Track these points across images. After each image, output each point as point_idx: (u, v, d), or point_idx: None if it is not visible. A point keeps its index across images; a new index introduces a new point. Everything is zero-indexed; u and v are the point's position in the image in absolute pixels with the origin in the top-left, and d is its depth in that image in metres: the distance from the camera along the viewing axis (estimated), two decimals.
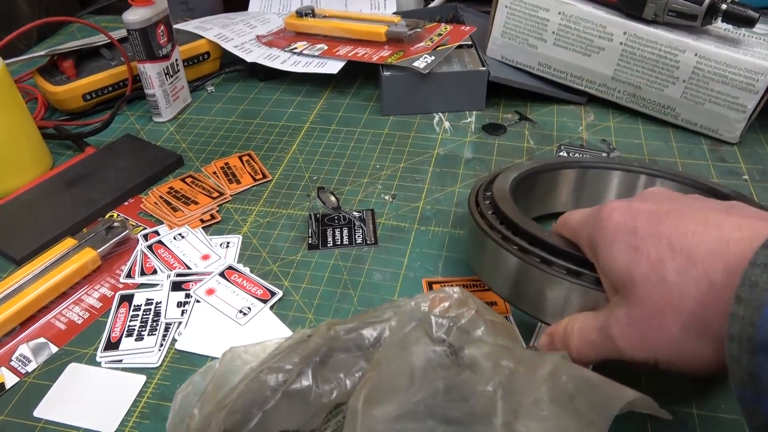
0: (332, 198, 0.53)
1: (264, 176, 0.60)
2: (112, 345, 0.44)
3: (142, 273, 0.49)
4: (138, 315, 0.46)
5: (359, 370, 0.32)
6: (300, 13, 0.78)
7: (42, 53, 0.71)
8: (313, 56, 0.73)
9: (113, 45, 0.71)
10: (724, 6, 0.57)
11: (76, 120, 0.71)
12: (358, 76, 0.77)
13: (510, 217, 0.40)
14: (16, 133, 0.58)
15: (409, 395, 0.28)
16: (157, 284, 0.48)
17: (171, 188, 0.58)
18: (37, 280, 0.47)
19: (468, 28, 0.74)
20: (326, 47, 0.74)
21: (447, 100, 0.69)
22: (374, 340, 0.33)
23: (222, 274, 0.49)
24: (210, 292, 0.47)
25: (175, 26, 0.76)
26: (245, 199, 0.58)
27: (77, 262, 0.48)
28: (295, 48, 0.75)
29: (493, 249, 0.40)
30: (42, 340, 0.45)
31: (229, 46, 0.76)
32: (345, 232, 0.52)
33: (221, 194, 0.58)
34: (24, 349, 0.44)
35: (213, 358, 0.42)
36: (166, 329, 0.45)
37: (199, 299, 0.47)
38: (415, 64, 0.66)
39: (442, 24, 0.76)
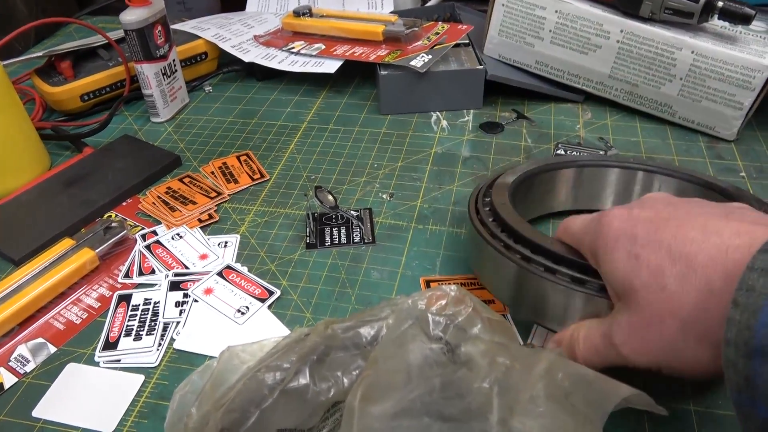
0: (330, 197, 0.53)
1: (262, 176, 0.60)
2: (111, 345, 0.44)
3: (141, 273, 0.50)
4: (136, 315, 0.46)
5: (357, 369, 0.32)
6: (297, 13, 0.78)
7: (39, 54, 0.71)
8: (311, 56, 0.73)
9: (111, 45, 0.71)
10: (720, 3, 0.58)
11: (73, 121, 0.71)
12: (356, 75, 0.77)
13: (511, 225, 0.40)
14: (14, 134, 0.58)
15: (406, 392, 0.28)
16: (155, 284, 0.48)
17: (169, 188, 0.59)
18: (35, 280, 0.47)
19: (465, 26, 0.74)
20: (324, 47, 0.74)
21: (444, 98, 0.69)
22: (372, 338, 0.33)
23: (220, 274, 0.49)
24: (208, 291, 0.47)
25: (173, 26, 0.76)
26: (243, 198, 0.58)
27: (75, 263, 0.48)
28: (293, 48, 0.75)
29: (495, 257, 0.40)
30: (40, 340, 0.45)
31: (226, 46, 0.76)
32: (343, 231, 0.53)
33: (219, 194, 0.58)
34: (22, 350, 0.44)
35: (211, 358, 0.42)
36: (165, 329, 0.45)
37: (197, 299, 0.47)
38: (413, 63, 0.66)
39: (439, 23, 0.76)
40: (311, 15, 0.78)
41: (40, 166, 0.62)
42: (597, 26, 0.62)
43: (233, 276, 0.48)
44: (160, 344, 0.43)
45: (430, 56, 0.67)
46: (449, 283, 0.34)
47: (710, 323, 0.27)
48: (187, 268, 0.50)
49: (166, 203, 0.56)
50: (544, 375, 0.28)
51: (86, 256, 0.49)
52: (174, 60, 0.69)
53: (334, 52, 0.72)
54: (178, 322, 0.45)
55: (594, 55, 0.64)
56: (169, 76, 0.69)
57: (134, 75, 0.69)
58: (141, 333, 0.44)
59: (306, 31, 0.78)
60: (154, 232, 0.54)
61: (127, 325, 0.45)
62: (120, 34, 0.70)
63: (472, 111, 0.69)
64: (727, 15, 0.58)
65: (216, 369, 0.34)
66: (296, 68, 0.71)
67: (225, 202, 0.57)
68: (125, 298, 0.47)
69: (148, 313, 0.46)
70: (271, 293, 0.47)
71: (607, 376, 0.29)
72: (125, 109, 0.74)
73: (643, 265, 0.29)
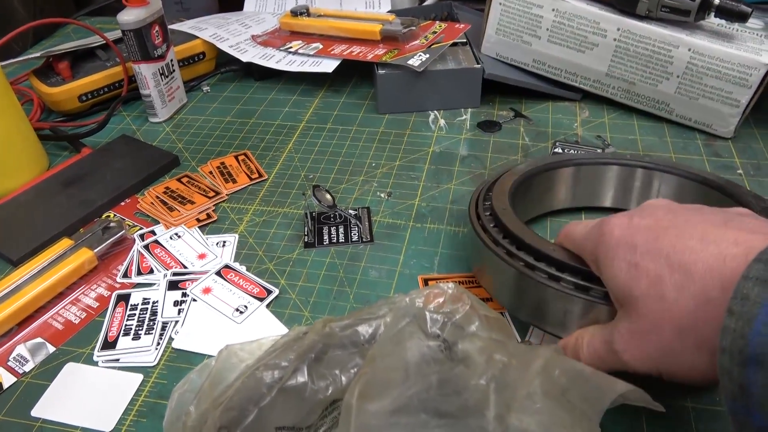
0: (328, 196, 0.53)
1: (260, 175, 0.60)
2: (109, 344, 0.44)
3: (139, 272, 0.50)
4: (135, 314, 0.46)
5: (355, 367, 0.32)
6: (295, 13, 0.78)
7: (37, 55, 0.71)
8: (309, 55, 0.73)
9: (108, 46, 0.71)
10: (716, 1, 0.58)
11: (72, 121, 0.71)
12: (354, 74, 0.77)
13: (514, 232, 0.40)
14: (12, 134, 0.58)
15: (403, 390, 0.28)
16: (154, 283, 0.49)
17: (167, 188, 0.59)
18: (34, 280, 0.47)
19: (462, 25, 0.74)
20: (321, 46, 0.74)
21: (442, 97, 0.69)
22: (369, 336, 0.33)
23: (218, 273, 0.49)
24: (206, 290, 0.47)
25: (170, 27, 0.76)
26: (241, 198, 0.58)
27: (74, 263, 0.48)
28: (290, 47, 0.75)
29: (497, 264, 0.40)
30: (39, 340, 0.45)
31: (224, 46, 0.76)
32: (341, 230, 0.53)
33: (217, 194, 0.58)
34: (21, 349, 0.44)
35: (210, 357, 0.42)
36: (163, 328, 0.45)
37: (196, 298, 0.47)
38: (410, 62, 0.66)
39: (437, 22, 0.76)
40: (309, 15, 0.78)
41: (39, 166, 0.62)
42: (594, 24, 0.63)
43: (231, 275, 0.49)
44: (158, 343, 0.44)
45: (427, 55, 0.67)
46: (447, 282, 0.34)
47: (707, 331, 0.27)
48: (185, 267, 0.50)
49: (165, 203, 0.57)
50: (541, 371, 0.28)
51: (85, 255, 0.49)
52: (172, 60, 0.69)
53: (332, 52, 0.72)
54: (176, 322, 0.45)
55: (591, 53, 0.64)
56: (167, 76, 0.69)
57: (132, 75, 0.69)
58: (140, 332, 0.44)
59: (304, 31, 0.78)
60: (153, 232, 0.54)
61: (126, 325, 0.45)
62: (118, 34, 0.70)
63: (469, 110, 0.69)
64: (723, 13, 0.58)
65: (214, 368, 0.34)
66: (294, 68, 0.71)
67: (223, 201, 0.57)
68: (124, 298, 0.47)
69: (146, 313, 0.46)
70: (269, 292, 0.47)
71: (603, 373, 0.29)
72: (123, 109, 0.74)
73: (642, 273, 0.30)
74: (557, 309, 0.37)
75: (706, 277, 0.27)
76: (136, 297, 0.47)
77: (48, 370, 0.43)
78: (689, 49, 0.59)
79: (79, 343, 0.44)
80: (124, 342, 0.44)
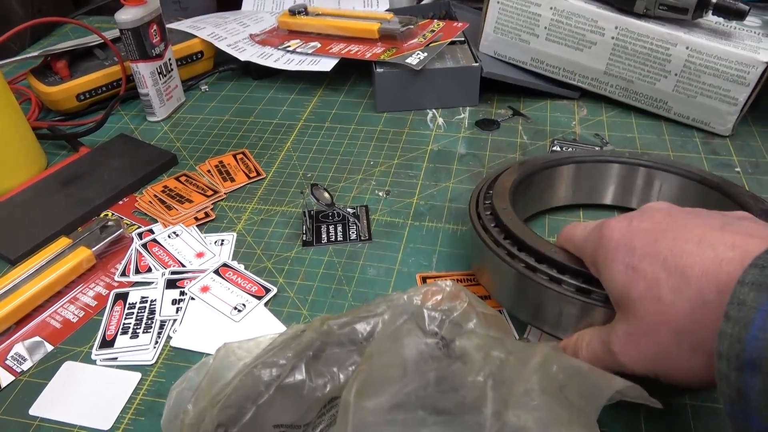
0: (326, 195, 0.53)
1: (258, 174, 0.60)
2: (108, 343, 0.44)
3: (137, 271, 0.50)
4: (133, 313, 0.46)
5: (353, 364, 0.32)
6: (293, 12, 0.78)
7: (35, 54, 0.71)
8: (307, 54, 0.73)
9: (106, 45, 0.71)
10: None
11: (70, 120, 0.71)
12: (352, 73, 0.77)
13: (515, 233, 0.40)
14: (10, 134, 0.58)
15: (401, 386, 0.28)
16: (152, 282, 0.49)
17: (165, 187, 0.59)
18: (32, 279, 0.47)
19: (460, 24, 0.74)
20: (319, 45, 0.74)
21: (440, 96, 0.69)
22: (367, 334, 0.33)
23: (216, 272, 0.49)
24: (205, 289, 0.47)
25: (168, 25, 0.76)
26: (239, 196, 0.58)
27: (72, 261, 0.48)
28: (289, 46, 0.75)
29: (498, 264, 0.40)
30: (37, 338, 0.45)
31: (222, 45, 0.76)
32: (339, 228, 0.53)
33: (215, 192, 0.58)
34: (19, 348, 0.44)
35: (208, 355, 0.42)
36: (161, 327, 0.45)
37: (194, 297, 0.47)
38: (408, 60, 0.66)
39: (435, 20, 0.76)
40: (307, 13, 0.78)
41: (37, 165, 0.62)
42: (592, 23, 0.63)
43: (230, 274, 0.48)
44: (156, 342, 0.44)
45: (425, 54, 0.67)
46: (445, 279, 0.34)
47: (704, 334, 0.27)
48: (183, 266, 0.50)
49: (163, 202, 0.57)
50: (539, 368, 0.28)
51: (83, 254, 0.49)
52: (170, 59, 0.69)
53: (330, 51, 0.72)
54: (174, 320, 0.45)
55: (589, 51, 0.64)
56: (165, 75, 0.69)
57: (130, 74, 0.69)
58: (138, 331, 0.44)
59: (302, 30, 0.78)
60: (151, 231, 0.54)
61: (124, 323, 0.45)
62: (116, 33, 0.70)
63: (468, 108, 0.69)
64: (721, 11, 0.58)
65: (212, 366, 0.34)
66: (292, 67, 0.71)
67: (221, 200, 0.57)
68: (122, 297, 0.47)
69: (144, 311, 0.46)
70: (267, 291, 0.47)
71: (601, 369, 0.29)
72: (121, 108, 0.74)
73: (640, 276, 0.30)
74: (557, 311, 0.37)
75: (702, 280, 0.28)
76: (134, 296, 0.47)
77: (46, 369, 0.43)
78: (687, 47, 0.59)
79: (77, 342, 0.44)
80: (122, 340, 0.44)
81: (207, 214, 0.55)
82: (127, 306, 0.46)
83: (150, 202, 0.57)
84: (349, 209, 0.54)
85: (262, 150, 0.64)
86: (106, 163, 0.61)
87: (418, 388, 0.28)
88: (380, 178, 0.59)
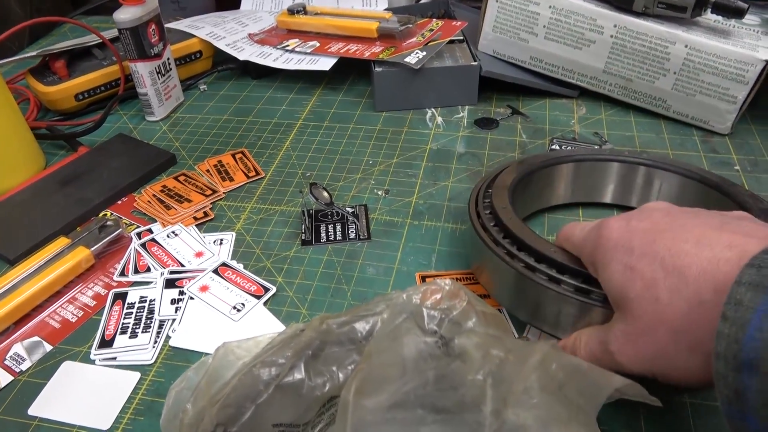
0: (325, 194, 0.53)
1: (257, 173, 0.60)
2: (106, 343, 0.44)
3: (136, 271, 0.50)
4: (132, 313, 0.46)
5: (352, 363, 0.32)
6: (292, 11, 0.78)
7: (34, 54, 0.71)
8: (305, 53, 0.73)
9: (105, 45, 0.71)
10: None
11: (68, 120, 0.71)
12: (351, 72, 0.77)
13: (514, 233, 0.40)
14: (9, 133, 0.58)
15: (400, 385, 0.28)
16: (151, 282, 0.48)
17: (164, 186, 0.59)
18: (30, 279, 0.47)
19: (459, 23, 0.74)
20: (318, 44, 0.74)
21: (439, 95, 0.69)
22: (367, 333, 0.33)
23: (216, 271, 0.49)
24: (204, 288, 0.47)
25: (167, 25, 0.76)
26: (238, 196, 0.58)
27: (71, 261, 0.48)
28: (287, 45, 0.75)
29: (497, 264, 0.40)
30: (36, 338, 0.45)
31: (221, 45, 0.76)
32: (338, 227, 0.53)
33: (214, 192, 0.58)
34: (18, 348, 0.44)
35: (207, 355, 0.42)
36: (160, 326, 0.45)
37: (193, 296, 0.47)
38: (407, 59, 0.66)
39: (434, 19, 0.76)
40: (306, 13, 0.78)
41: (35, 165, 0.62)
42: (591, 21, 0.63)
43: (229, 273, 0.48)
44: (155, 342, 0.44)
45: (424, 53, 0.67)
46: (444, 278, 0.34)
47: (701, 334, 0.27)
48: (182, 265, 0.50)
49: (162, 201, 0.56)
50: (538, 366, 0.28)
51: (81, 254, 0.49)
52: (168, 59, 0.69)
53: (329, 50, 0.72)
54: (173, 320, 0.45)
55: (588, 50, 0.64)
56: (164, 75, 0.68)
57: (129, 74, 0.69)
58: (137, 331, 0.44)
59: (300, 29, 0.78)
60: (150, 230, 0.54)
61: (123, 323, 0.45)
62: (114, 33, 0.69)
63: (466, 107, 0.69)
64: (720, 9, 0.58)
65: (211, 365, 0.34)
66: (291, 66, 0.71)
67: (220, 199, 0.57)
68: (121, 296, 0.47)
69: (143, 311, 0.46)
70: (266, 290, 0.47)
71: (600, 368, 0.29)
72: (120, 108, 0.73)
73: (637, 276, 0.30)
74: (556, 311, 0.37)
75: (699, 280, 0.28)
76: (133, 295, 0.47)
77: (45, 369, 0.42)
78: (686, 46, 0.59)
79: (76, 342, 0.44)
80: (121, 340, 0.44)
81: (206, 214, 0.55)
82: (126, 306, 0.46)
83: (149, 201, 0.57)
84: (348, 208, 0.54)
85: (261, 149, 0.64)
86: (105, 163, 0.61)
87: (418, 387, 0.28)
88: (379, 177, 0.59)
